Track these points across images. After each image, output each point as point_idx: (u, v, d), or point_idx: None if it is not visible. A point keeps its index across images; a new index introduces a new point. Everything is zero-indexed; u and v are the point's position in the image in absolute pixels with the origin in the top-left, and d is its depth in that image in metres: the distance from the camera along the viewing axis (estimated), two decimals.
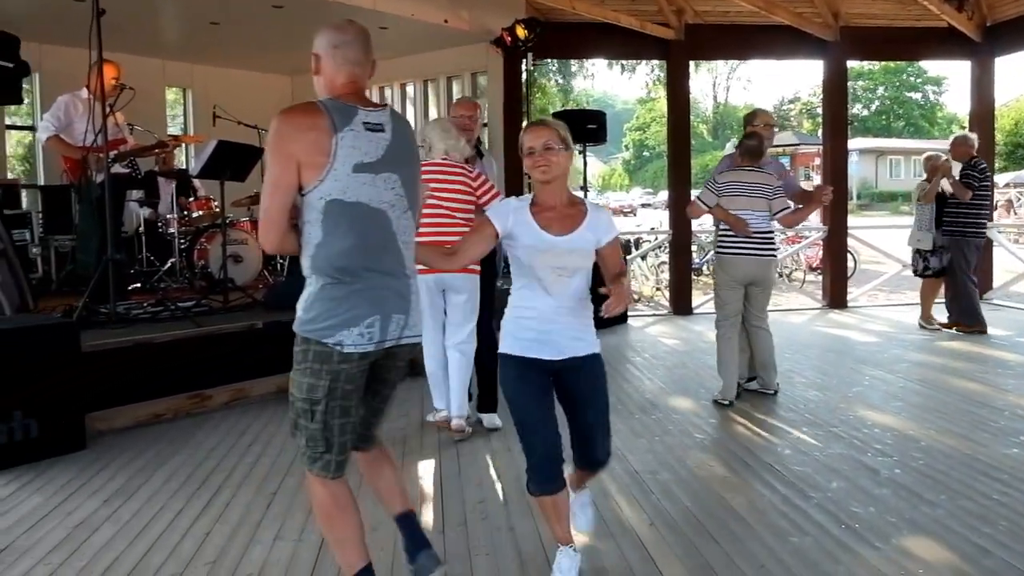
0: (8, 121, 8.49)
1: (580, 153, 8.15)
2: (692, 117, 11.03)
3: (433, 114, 9.07)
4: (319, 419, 2.15)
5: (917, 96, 46.60)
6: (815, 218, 11.25)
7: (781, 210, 4.68)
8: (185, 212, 6.85)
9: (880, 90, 46.14)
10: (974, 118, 8.79)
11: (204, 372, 4.71)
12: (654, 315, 8.75)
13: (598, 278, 2.49)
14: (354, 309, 2.12)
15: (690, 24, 8.34)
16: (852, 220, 9.41)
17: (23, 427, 3.75)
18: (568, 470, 2.54)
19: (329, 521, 2.25)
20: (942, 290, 7.27)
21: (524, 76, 8.08)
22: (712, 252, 6.94)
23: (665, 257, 10.04)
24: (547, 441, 2.40)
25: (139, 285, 6.28)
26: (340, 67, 2.20)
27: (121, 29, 5.80)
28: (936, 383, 5.30)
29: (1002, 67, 8.41)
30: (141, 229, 6.85)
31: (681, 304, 8.64)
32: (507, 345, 2.48)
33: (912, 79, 45.54)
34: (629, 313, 8.13)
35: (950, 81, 46.07)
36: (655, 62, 25.12)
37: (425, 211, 3.93)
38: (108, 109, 5.13)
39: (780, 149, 33.70)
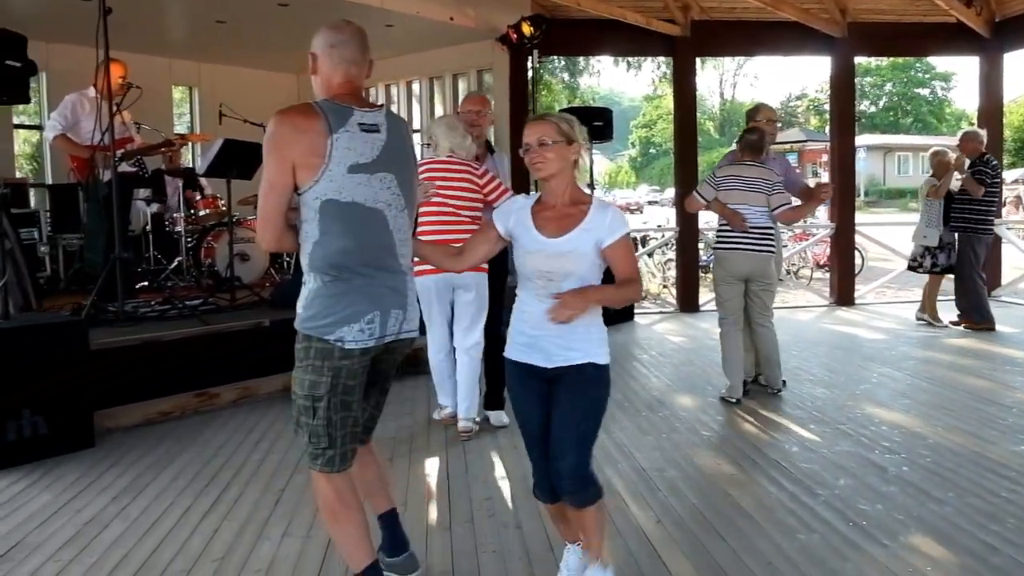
0: (16, 120, 8.53)
1: (588, 150, 8.11)
2: (699, 114, 11.02)
3: (439, 111, 9.07)
4: (322, 415, 2.17)
5: (925, 92, 46.27)
6: (823, 215, 11.28)
7: (780, 206, 4.64)
8: (192, 210, 6.88)
9: (888, 86, 45.83)
10: (983, 114, 8.72)
11: (211, 370, 4.73)
12: (661, 312, 8.74)
13: (611, 280, 2.34)
14: (354, 305, 2.15)
15: (696, 20, 8.30)
16: (859, 217, 9.35)
17: (32, 425, 3.77)
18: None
19: (334, 518, 2.26)
20: (946, 287, 7.23)
21: (530, 73, 8.07)
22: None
23: (672, 254, 10.01)
24: (546, 456, 2.33)
25: (146, 283, 6.30)
26: (337, 67, 2.22)
27: (128, 28, 5.81)
28: (944, 380, 5.28)
29: (1011, 63, 8.29)
30: (148, 228, 6.89)
31: (688, 301, 8.62)
32: (508, 348, 2.42)
33: (920, 75, 45.22)
34: (636, 310, 8.13)
35: (959, 77, 45.81)
36: (661, 59, 24.96)
37: (430, 208, 3.95)
38: (115, 108, 5.13)
39: (788, 145, 33.60)
